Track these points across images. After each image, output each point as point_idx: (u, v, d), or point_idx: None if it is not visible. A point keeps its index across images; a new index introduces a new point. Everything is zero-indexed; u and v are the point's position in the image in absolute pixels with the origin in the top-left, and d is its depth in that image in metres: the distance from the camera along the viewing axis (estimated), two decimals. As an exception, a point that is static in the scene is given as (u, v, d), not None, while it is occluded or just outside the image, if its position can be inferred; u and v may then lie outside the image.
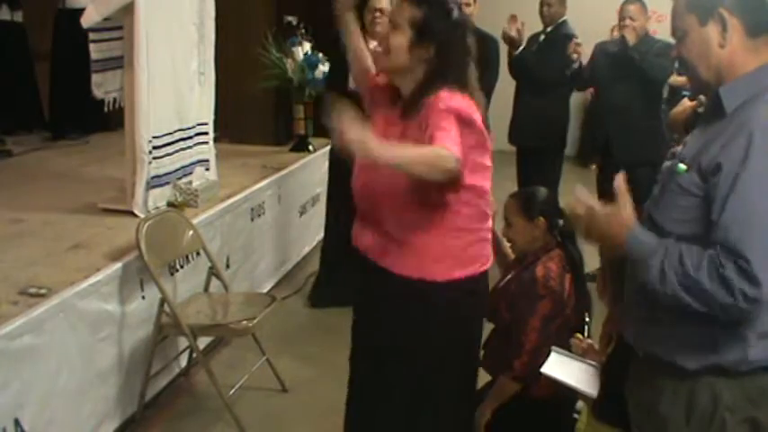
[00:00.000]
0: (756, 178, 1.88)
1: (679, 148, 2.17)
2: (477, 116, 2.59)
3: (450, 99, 2.53)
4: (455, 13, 2.64)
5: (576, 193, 2.14)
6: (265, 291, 5.30)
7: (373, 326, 2.84)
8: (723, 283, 1.86)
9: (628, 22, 5.54)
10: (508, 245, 3.44)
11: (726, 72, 2.04)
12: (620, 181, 2.10)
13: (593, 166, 6.15)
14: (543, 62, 5.91)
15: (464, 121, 2.50)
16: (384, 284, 2.72)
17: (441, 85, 2.57)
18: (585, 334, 3.18)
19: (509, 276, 3.29)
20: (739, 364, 2.01)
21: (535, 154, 6.10)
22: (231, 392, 3.91)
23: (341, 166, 5.12)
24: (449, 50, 2.61)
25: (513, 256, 3.42)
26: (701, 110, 4.10)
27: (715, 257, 1.87)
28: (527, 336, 3.06)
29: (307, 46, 6.15)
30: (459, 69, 2.64)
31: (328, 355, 4.63)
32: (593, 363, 2.87)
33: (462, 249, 2.68)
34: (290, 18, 6.75)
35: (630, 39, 5.50)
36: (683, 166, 2.03)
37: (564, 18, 6.19)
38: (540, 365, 2.94)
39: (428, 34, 2.59)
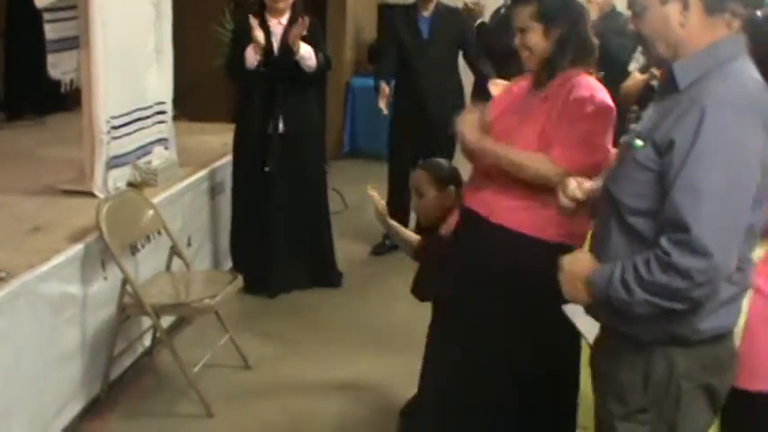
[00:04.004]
0: (706, 151, 1.92)
1: (634, 125, 2.22)
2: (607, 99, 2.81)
3: (592, 89, 2.78)
4: None
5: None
6: (227, 268, 5.31)
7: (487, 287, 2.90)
8: (673, 269, 1.90)
9: None
10: (408, 231, 3.67)
11: (683, 49, 2.07)
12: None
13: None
14: (501, 37, 5.95)
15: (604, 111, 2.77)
16: (499, 240, 2.82)
17: (571, 57, 2.81)
18: None
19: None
20: (692, 333, 2.07)
21: None
22: (195, 370, 3.95)
23: (241, 153, 5.14)
24: (575, 25, 2.81)
25: (416, 242, 3.56)
26: (653, 83, 4.17)
27: (658, 252, 1.93)
28: None
29: (264, 22, 6.12)
30: (588, 41, 2.86)
31: (291, 332, 4.70)
32: None
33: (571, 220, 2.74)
34: (246, -6, 6.70)
35: (592, 14, 5.44)
36: (639, 142, 2.07)
37: None
38: None
39: (554, 18, 2.78)
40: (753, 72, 2.07)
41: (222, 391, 4.01)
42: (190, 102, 5.87)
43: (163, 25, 4.78)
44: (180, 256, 4.28)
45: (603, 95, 2.79)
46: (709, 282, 1.92)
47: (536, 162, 2.72)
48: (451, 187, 3.36)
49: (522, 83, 3.03)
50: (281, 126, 5.05)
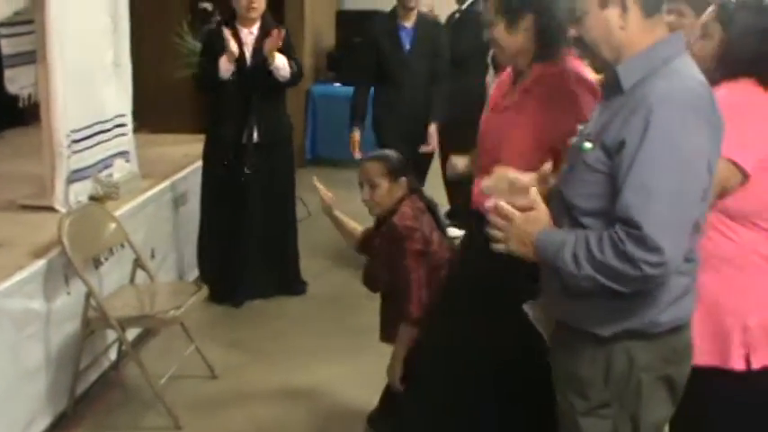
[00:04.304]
0: (655, 151, 1.97)
1: (581, 127, 2.27)
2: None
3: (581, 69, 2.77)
4: None
5: (498, 204, 2.22)
6: (192, 279, 5.32)
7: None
8: (626, 258, 1.95)
9: None
10: (353, 223, 3.69)
11: (625, 51, 2.12)
12: (533, 192, 2.21)
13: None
14: (456, 40, 6.00)
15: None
16: None
17: (557, 47, 2.72)
18: None
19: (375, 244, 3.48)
20: (650, 327, 2.12)
21: (453, 129, 6.18)
22: (162, 382, 3.95)
23: (213, 165, 5.15)
24: (545, 11, 2.69)
25: (359, 233, 3.63)
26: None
27: (614, 235, 1.97)
28: (409, 277, 3.24)
29: (223, 32, 6.13)
30: (561, 26, 2.73)
31: (256, 341, 4.72)
32: None
33: None
34: (205, 5, 6.72)
35: None
36: (588, 145, 2.12)
37: None
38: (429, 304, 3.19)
39: (515, 9, 2.67)
40: (693, 70, 2.14)
41: (189, 401, 4.02)
42: (150, 113, 5.87)
43: (120, 38, 4.79)
44: (144, 268, 4.28)
45: (592, 78, 2.79)
46: (658, 276, 1.98)
47: None
48: (403, 178, 3.41)
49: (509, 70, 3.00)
50: (255, 135, 5.07)
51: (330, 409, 4.00)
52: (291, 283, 5.41)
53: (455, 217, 6.55)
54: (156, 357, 4.31)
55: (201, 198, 5.29)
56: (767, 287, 2.41)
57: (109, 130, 4.66)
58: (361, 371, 4.13)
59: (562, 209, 2.19)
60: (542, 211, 2.17)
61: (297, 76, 5.12)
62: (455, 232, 6.55)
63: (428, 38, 5.71)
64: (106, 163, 4.62)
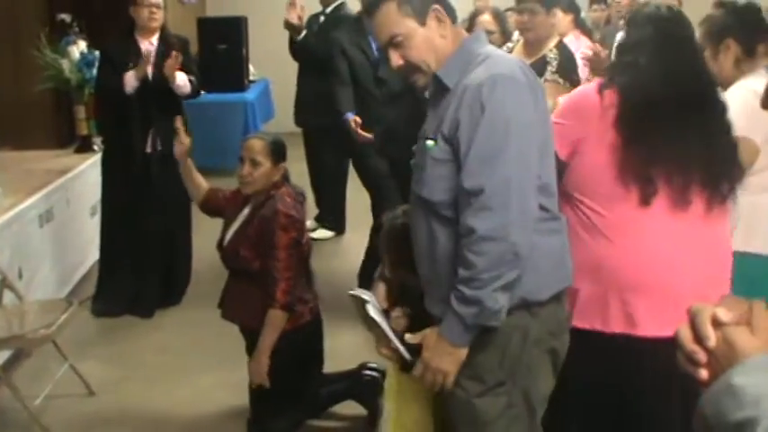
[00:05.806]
0: (491, 121, 2.14)
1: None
2: None
3: None
4: None
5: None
6: (64, 296, 5.22)
7: None
8: (485, 240, 2.09)
9: None
10: (199, 177, 3.85)
11: (444, 58, 2.32)
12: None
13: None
14: (324, 44, 6.01)
15: None
16: None
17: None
18: None
19: (242, 219, 3.54)
20: (537, 293, 2.25)
21: (322, 133, 6.24)
22: (37, 402, 3.88)
23: (116, 174, 5.12)
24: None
25: (206, 190, 3.78)
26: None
27: (465, 242, 2.12)
28: (280, 263, 3.36)
29: (82, 44, 6.03)
30: None
31: (133, 355, 4.68)
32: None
33: None
34: (63, 16, 6.56)
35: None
36: (430, 142, 2.27)
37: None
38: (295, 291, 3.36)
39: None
40: (502, 53, 2.43)
41: (67, 421, 3.96)
42: (11, 130, 5.73)
43: (-25, 54, 4.67)
44: (11, 288, 4.19)
45: None
46: (518, 233, 2.11)
47: None
48: (283, 164, 3.51)
49: None
50: (154, 146, 5.04)
51: (211, 419, 4.01)
52: (173, 294, 5.40)
53: (324, 219, 6.65)
54: (30, 378, 4.21)
55: (102, 210, 5.29)
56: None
57: (-33, 150, 4.54)
58: (242, 377, 4.14)
59: (427, 214, 2.30)
60: (428, 337, 2.29)
61: (196, 90, 5.18)
62: (324, 234, 6.66)
63: None
64: (-34, 183, 4.50)
